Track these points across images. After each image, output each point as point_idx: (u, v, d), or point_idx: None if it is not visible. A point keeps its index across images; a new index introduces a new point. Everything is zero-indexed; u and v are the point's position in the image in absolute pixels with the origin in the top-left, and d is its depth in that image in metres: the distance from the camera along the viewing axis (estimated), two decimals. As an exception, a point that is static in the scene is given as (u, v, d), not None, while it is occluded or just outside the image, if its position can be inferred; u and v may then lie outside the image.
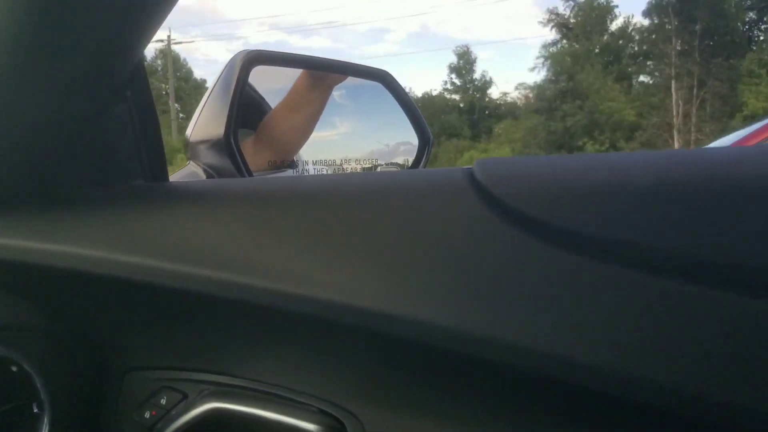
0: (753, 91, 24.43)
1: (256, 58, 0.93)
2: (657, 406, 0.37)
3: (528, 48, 59.34)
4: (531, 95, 34.16)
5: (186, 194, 0.59)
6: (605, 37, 32.74)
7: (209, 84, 1.07)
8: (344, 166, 1.10)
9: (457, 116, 38.27)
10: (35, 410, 0.53)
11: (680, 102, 25.85)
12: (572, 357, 0.38)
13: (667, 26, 26.99)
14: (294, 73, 1.05)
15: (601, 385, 0.38)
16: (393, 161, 1.18)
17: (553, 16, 33.41)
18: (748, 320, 0.35)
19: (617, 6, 34.71)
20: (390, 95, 1.11)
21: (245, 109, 0.93)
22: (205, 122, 0.93)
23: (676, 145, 23.84)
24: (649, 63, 30.91)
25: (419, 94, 41.50)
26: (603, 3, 32.82)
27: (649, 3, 28.19)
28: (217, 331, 0.55)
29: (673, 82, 26.45)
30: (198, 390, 0.56)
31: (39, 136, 0.55)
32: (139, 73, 0.61)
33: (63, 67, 0.51)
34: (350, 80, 1.11)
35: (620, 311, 0.38)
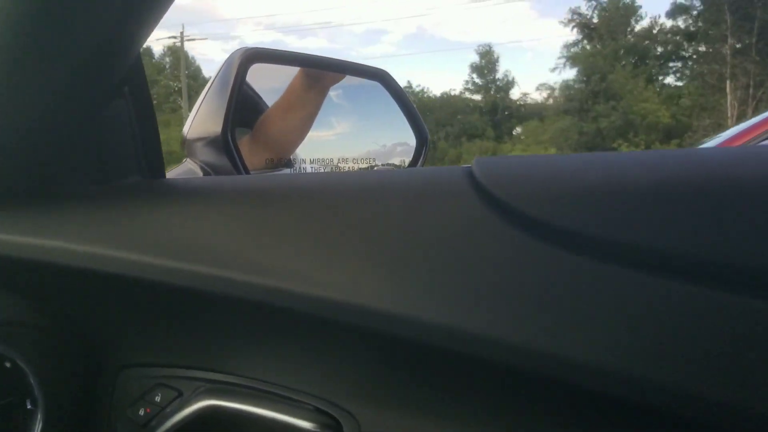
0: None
1: (254, 56, 0.93)
2: (657, 406, 0.37)
3: (524, 51, 59.55)
4: (557, 95, 33.45)
5: (183, 191, 0.58)
6: (630, 38, 32.07)
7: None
8: (341, 165, 1.10)
9: (479, 116, 37.75)
10: (29, 406, 0.53)
11: (735, 103, 24.61)
12: (572, 357, 0.38)
13: (722, 24, 25.73)
14: (292, 72, 1.05)
15: (601, 385, 0.38)
16: (390, 162, 1.17)
17: (576, 16, 32.95)
18: (748, 320, 0.35)
19: (641, 6, 34.25)
20: (388, 95, 1.10)
21: (242, 107, 0.93)
22: (202, 119, 0.93)
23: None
24: (671, 65, 30.11)
25: (438, 93, 41.49)
26: (628, 2, 32.30)
27: (672, 3, 27.72)
28: (213, 329, 0.55)
29: (728, 82, 25.26)
30: (193, 387, 0.56)
31: (36, 133, 0.55)
32: (136, 70, 0.60)
33: (61, 64, 0.51)
34: (348, 80, 1.10)
35: (620, 311, 0.38)
